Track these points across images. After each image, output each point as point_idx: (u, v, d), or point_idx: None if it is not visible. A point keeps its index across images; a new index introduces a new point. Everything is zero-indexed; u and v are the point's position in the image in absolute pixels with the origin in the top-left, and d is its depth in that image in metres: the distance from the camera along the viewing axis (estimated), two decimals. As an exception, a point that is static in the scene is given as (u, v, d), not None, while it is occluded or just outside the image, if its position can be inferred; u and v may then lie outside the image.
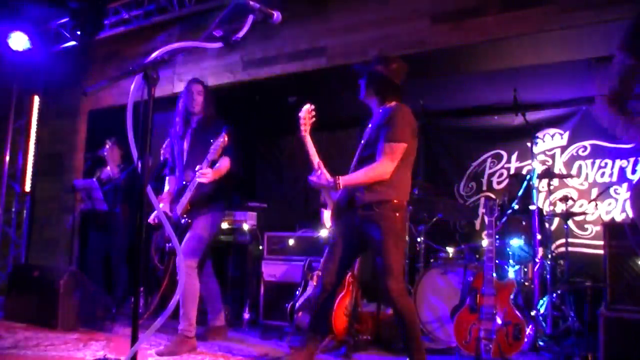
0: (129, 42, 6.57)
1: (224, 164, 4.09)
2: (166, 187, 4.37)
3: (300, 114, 3.39)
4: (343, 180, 3.16)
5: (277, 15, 2.32)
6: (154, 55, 2.08)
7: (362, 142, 3.36)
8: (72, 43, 6.98)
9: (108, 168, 6.07)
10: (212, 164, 3.97)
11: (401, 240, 3.33)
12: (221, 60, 6.02)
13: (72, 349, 3.99)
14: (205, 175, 3.91)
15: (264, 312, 5.15)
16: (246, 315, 5.25)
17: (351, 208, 3.29)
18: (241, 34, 2.18)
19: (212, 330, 4.50)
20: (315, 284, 4.30)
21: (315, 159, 3.31)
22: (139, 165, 2.03)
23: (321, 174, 3.19)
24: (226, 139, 3.87)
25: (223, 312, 4.58)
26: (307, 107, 3.43)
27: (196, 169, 3.93)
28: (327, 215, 3.46)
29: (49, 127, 7.82)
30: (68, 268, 5.19)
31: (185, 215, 4.07)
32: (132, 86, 2.06)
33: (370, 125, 3.35)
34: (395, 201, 3.22)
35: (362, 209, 3.24)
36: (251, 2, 2.21)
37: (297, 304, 4.44)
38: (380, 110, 3.35)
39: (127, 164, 6.03)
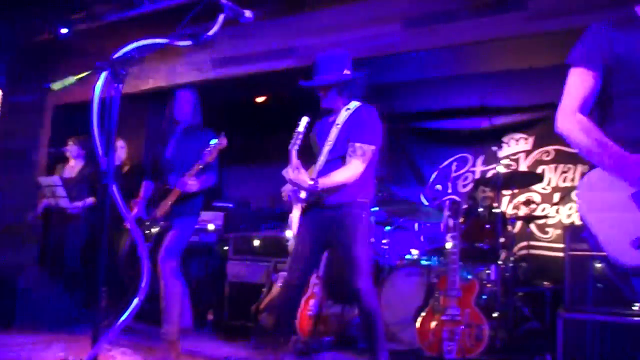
0: (97, 37, 6.46)
1: (211, 180, 4.08)
2: (140, 192, 4.32)
3: (299, 129, 3.25)
4: (321, 183, 3.15)
5: (248, 14, 2.31)
6: (122, 51, 2.05)
7: (328, 142, 3.32)
8: (39, 36, 6.82)
9: (72, 164, 5.97)
10: (204, 168, 3.96)
11: (368, 240, 3.37)
12: (190, 58, 5.97)
13: (31, 351, 3.91)
14: (191, 186, 3.90)
15: (229, 313, 5.11)
16: (210, 316, 5.21)
17: (319, 208, 3.29)
18: (212, 32, 2.17)
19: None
20: (280, 284, 4.29)
21: (295, 160, 3.29)
22: (104, 162, 2.00)
23: (301, 176, 3.18)
24: (224, 143, 3.86)
25: (189, 313, 4.54)
26: (306, 120, 3.30)
27: (183, 175, 3.91)
28: (295, 215, 3.45)
29: (13, 123, 7.63)
30: (28, 266, 5.08)
31: (164, 218, 4.04)
32: (99, 83, 2.02)
33: (337, 125, 3.32)
34: (362, 201, 3.27)
35: (330, 209, 3.25)
36: (222, 1, 2.20)
37: (262, 305, 4.43)
38: (347, 111, 3.35)
39: (90, 161, 5.92)
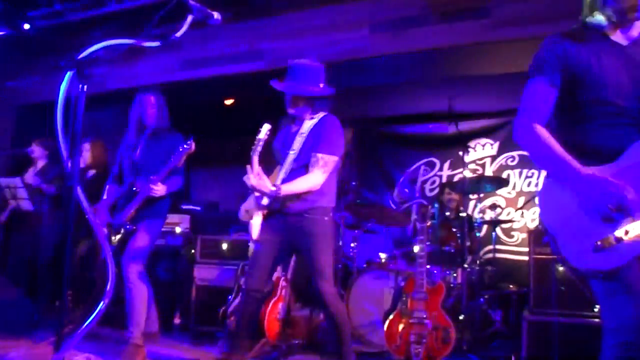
0: (62, 36, 6.34)
1: (177, 184, 4.04)
2: (104, 195, 4.25)
3: (260, 136, 3.30)
4: (284, 190, 3.19)
5: (216, 16, 2.29)
6: (88, 51, 2.01)
7: (292, 150, 3.35)
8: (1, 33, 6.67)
9: (39, 165, 5.85)
10: (172, 172, 3.91)
11: (331, 244, 3.42)
12: (158, 59, 5.91)
13: (-10, 356, 3.81)
14: (157, 191, 3.87)
15: (196, 317, 5.05)
16: (177, 320, 5.15)
17: (282, 215, 3.32)
18: (180, 33, 2.14)
19: (145, 336, 4.39)
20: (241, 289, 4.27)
21: (256, 167, 3.29)
22: (69, 164, 1.96)
23: (263, 182, 3.19)
24: (193, 147, 3.82)
25: (156, 317, 4.48)
26: (268, 127, 3.34)
27: (150, 178, 3.86)
28: (255, 221, 3.43)
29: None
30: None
31: (129, 221, 3.97)
32: (63, 83, 1.98)
33: (302, 134, 3.35)
34: (324, 207, 3.33)
35: (294, 215, 3.29)
36: (191, 2, 2.18)
37: (230, 309, 4.40)
38: (311, 120, 3.39)
39: (53, 163, 5.81)
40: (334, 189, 3.44)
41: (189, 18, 2.18)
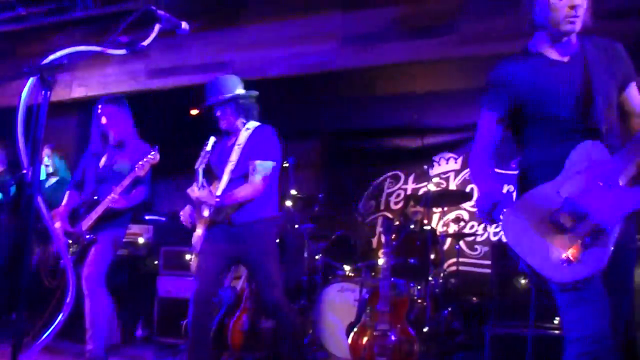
0: (25, 41, 6.22)
1: (141, 195, 3.99)
2: (64, 202, 4.16)
3: (207, 148, 3.40)
4: (226, 201, 3.25)
5: (184, 25, 2.28)
6: (52, 57, 1.98)
7: (230, 161, 3.39)
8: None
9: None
10: (136, 182, 3.85)
11: (277, 252, 3.48)
12: (124, 67, 5.83)
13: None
14: (117, 202, 3.84)
15: (158, 329, 4.98)
16: (139, 332, 5.06)
17: (226, 225, 3.33)
18: (147, 42, 2.13)
19: (106, 349, 4.29)
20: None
21: (201, 179, 3.31)
22: (29, 172, 1.92)
23: (207, 193, 3.22)
24: (157, 158, 3.78)
25: (117, 329, 4.39)
26: (214, 140, 3.44)
27: (112, 189, 3.81)
28: (198, 233, 3.41)
29: None
30: None
31: (90, 231, 3.90)
32: (26, 89, 1.94)
33: (238, 145, 3.40)
34: (268, 216, 3.40)
35: (238, 227, 3.33)
36: (159, 11, 2.16)
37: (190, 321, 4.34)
38: (247, 131, 3.44)
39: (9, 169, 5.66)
40: (276, 199, 3.53)
41: (157, 27, 2.17)
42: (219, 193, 3.31)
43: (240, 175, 3.37)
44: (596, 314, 1.80)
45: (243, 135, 3.43)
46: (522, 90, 2.05)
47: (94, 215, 3.86)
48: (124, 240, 5.00)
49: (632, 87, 2.08)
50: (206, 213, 3.33)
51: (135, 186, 3.90)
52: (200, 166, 3.33)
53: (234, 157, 3.39)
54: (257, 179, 3.31)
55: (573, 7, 1.97)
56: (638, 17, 3.98)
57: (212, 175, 3.49)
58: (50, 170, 5.29)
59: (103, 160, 4.07)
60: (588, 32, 2.08)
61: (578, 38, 2.07)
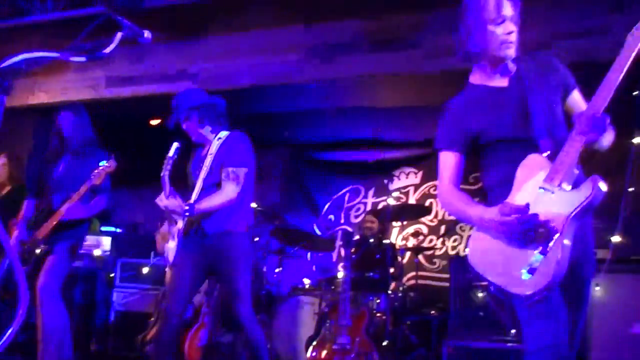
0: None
1: (100, 204, 3.91)
2: (21, 211, 4.05)
3: (169, 154, 3.34)
4: (197, 208, 3.19)
5: (147, 34, 2.25)
6: (9, 62, 1.93)
7: (203, 170, 3.36)
8: None
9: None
10: (94, 192, 3.78)
11: (249, 266, 3.45)
12: (84, 74, 5.72)
13: None
14: (74, 212, 3.75)
15: (113, 344, 4.87)
16: (93, 347, 4.94)
17: (199, 237, 3.30)
18: (108, 50, 2.09)
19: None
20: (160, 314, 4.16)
21: (167, 187, 3.27)
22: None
23: (176, 202, 3.17)
24: (113, 166, 3.71)
25: (71, 343, 4.26)
26: (176, 146, 3.38)
27: (69, 196, 3.72)
28: (171, 245, 3.36)
29: None
30: None
31: (45, 241, 3.79)
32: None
33: (211, 154, 3.38)
34: (240, 228, 3.36)
35: (210, 238, 3.29)
36: (121, 19, 2.13)
37: (149, 335, 4.26)
38: (218, 140, 3.44)
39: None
40: (250, 210, 3.51)
41: (119, 35, 2.13)
42: (191, 201, 3.26)
43: (213, 183, 3.33)
44: (557, 326, 1.86)
45: (215, 145, 3.41)
46: (472, 123, 2.13)
47: (50, 224, 3.77)
48: (80, 251, 4.90)
49: (574, 94, 2.16)
50: (179, 224, 3.27)
51: (94, 195, 3.82)
52: (165, 173, 3.27)
53: (207, 164, 3.36)
54: (230, 185, 3.26)
55: (508, 33, 2.06)
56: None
57: (185, 184, 3.44)
58: (5, 178, 5.14)
59: (60, 168, 3.99)
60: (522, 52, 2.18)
61: (514, 61, 2.16)
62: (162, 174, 3.27)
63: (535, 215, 1.83)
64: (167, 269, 3.38)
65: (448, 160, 2.17)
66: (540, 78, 2.11)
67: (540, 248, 1.82)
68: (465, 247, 5.92)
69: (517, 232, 1.85)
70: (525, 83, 2.09)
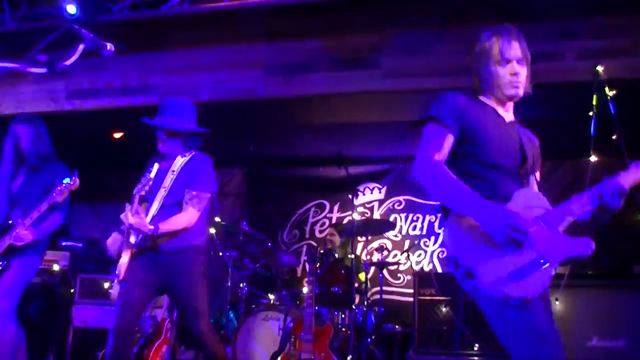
0: None
1: (55, 221, 3.82)
2: None
3: (151, 175, 3.30)
4: (161, 228, 3.14)
5: (109, 47, 2.22)
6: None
7: (163, 187, 3.31)
8: None
9: None
10: (52, 208, 3.70)
11: (205, 282, 3.41)
12: (43, 86, 5.61)
13: None
14: (23, 238, 3.65)
15: (71, 361, 4.76)
16: (50, 365, 4.81)
17: (153, 253, 3.25)
18: (69, 61, 2.05)
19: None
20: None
21: (136, 205, 3.21)
22: None
23: (141, 219, 3.11)
24: (77, 183, 3.63)
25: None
26: (157, 166, 3.36)
27: (28, 213, 3.64)
28: (123, 260, 3.29)
29: None
30: None
31: (2, 256, 3.68)
32: None
33: (173, 172, 3.34)
34: (198, 245, 3.35)
35: (166, 254, 3.24)
36: (83, 30, 2.10)
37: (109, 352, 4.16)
38: (183, 158, 3.40)
39: None
40: (205, 227, 3.49)
41: (80, 47, 2.10)
42: (148, 219, 3.20)
43: (173, 203, 3.29)
44: (535, 336, 1.88)
45: (179, 162, 3.37)
46: (472, 124, 2.13)
47: (5, 242, 3.67)
48: (39, 267, 4.77)
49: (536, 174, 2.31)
50: (133, 240, 3.22)
51: (51, 212, 3.73)
52: (139, 192, 3.21)
53: (167, 183, 3.31)
54: (193, 209, 3.26)
55: (514, 74, 2.16)
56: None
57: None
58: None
59: (18, 182, 3.89)
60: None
61: (514, 114, 2.28)
62: (135, 192, 3.21)
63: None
64: (114, 284, 3.29)
65: (439, 135, 2.11)
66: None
67: (534, 263, 1.87)
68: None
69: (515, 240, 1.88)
70: (521, 134, 2.23)
